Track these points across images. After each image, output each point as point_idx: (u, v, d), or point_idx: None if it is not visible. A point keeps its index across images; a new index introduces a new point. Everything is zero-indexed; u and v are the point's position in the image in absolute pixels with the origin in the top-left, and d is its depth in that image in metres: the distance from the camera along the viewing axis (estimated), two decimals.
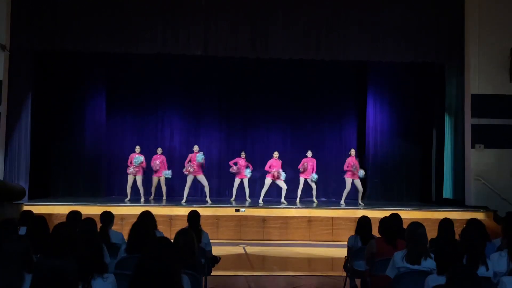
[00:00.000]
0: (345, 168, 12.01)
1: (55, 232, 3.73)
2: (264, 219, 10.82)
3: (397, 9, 11.84)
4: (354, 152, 12.16)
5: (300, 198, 12.32)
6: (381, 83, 13.93)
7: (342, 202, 12.02)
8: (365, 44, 11.77)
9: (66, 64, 13.03)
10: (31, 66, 11.71)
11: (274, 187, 13.60)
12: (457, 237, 5.03)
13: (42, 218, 4.76)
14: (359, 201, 12.07)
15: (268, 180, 12.10)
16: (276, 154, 12.23)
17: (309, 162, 12.34)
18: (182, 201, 11.59)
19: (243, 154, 12.42)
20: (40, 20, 11.25)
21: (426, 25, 11.85)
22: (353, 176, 11.92)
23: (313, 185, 12.35)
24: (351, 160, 11.97)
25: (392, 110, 13.99)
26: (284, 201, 11.87)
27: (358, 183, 11.97)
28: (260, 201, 11.96)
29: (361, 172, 12.12)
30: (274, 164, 12.15)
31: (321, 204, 12.10)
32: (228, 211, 10.88)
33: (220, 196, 13.40)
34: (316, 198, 12.40)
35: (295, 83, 14.08)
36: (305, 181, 12.33)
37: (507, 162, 11.65)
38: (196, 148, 11.97)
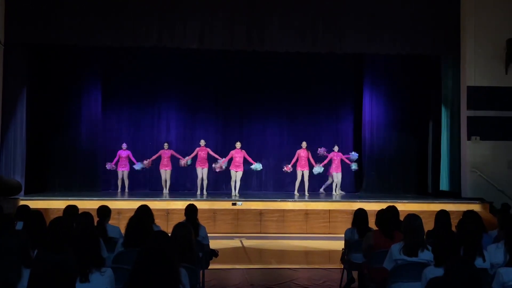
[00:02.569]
0: (294, 160, 12.30)
1: (52, 226, 3.72)
2: (261, 213, 10.83)
3: (394, 2, 11.82)
4: (305, 145, 12.35)
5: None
6: (378, 75, 13.92)
7: (295, 192, 12.30)
8: (362, 36, 11.75)
9: (61, 58, 12.95)
10: (26, 60, 11.64)
11: (271, 180, 13.66)
12: (453, 229, 5.06)
13: (38, 213, 4.75)
14: (306, 193, 12.34)
15: (232, 173, 12.10)
16: (238, 144, 12.15)
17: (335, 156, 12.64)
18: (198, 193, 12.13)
19: (238, 144, 12.30)
20: (35, 14, 11.18)
21: (422, 17, 11.83)
22: (303, 167, 12.20)
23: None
24: (302, 153, 12.26)
25: (388, 103, 13.98)
26: (236, 194, 12.02)
27: (306, 174, 12.25)
28: (236, 193, 12.02)
29: (354, 166, 12.71)
30: (235, 154, 12.10)
31: (318, 197, 12.13)
32: (225, 205, 10.88)
33: (217, 189, 13.40)
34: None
35: (292, 76, 14.04)
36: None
37: (503, 153, 11.68)
38: (202, 142, 12.31)
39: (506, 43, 11.62)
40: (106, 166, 12.74)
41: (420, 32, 11.83)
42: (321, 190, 13.07)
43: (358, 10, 11.72)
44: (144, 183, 13.34)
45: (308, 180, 12.40)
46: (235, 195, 11.81)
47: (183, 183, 13.47)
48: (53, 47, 12.20)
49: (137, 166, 12.58)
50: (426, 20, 11.84)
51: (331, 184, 12.89)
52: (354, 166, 12.84)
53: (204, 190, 12.19)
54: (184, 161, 12.15)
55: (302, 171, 12.29)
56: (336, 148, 12.68)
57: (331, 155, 12.63)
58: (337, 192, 12.66)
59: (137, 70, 13.74)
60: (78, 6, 11.22)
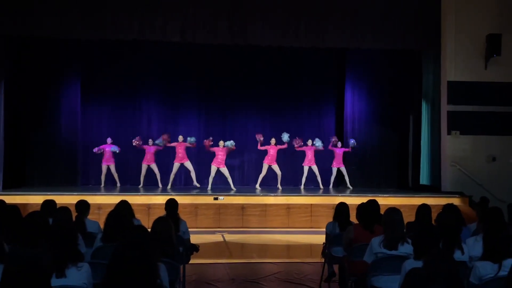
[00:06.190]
0: (263, 147, 12.58)
1: (27, 221, 3.65)
2: (243, 207, 10.81)
3: None
4: (274, 141, 12.53)
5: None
6: (359, 70, 13.98)
7: (257, 186, 12.49)
8: (344, 31, 11.76)
9: (40, 51, 12.74)
10: (4, 53, 11.42)
11: (253, 174, 13.64)
12: (433, 222, 5.09)
13: (15, 207, 4.67)
14: (278, 185, 12.57)
15: (213, 168, 12.17)
16: (221, 143, 12.22)
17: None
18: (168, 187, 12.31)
19: (221, 143, 12.30)
20: (14, 6, 10.93)
21: (403, 12, 11.87)
22: (270, 162, 12.39)
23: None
24: (272, 149, 12.47)
25: (369, 97, 14.06)
26: (197, 184, 12.36)
27: (276, 168, 12.48)
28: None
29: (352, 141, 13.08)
30: (219, 151, 12.16)
31: (299, 192, 12.16)
32: (207, 199, 10.86)
33: (200, 184, 13.31)
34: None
35: (274, 70, 14.02)
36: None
37: (482, 148, 11.82)
38: (180, 138, 12.38)
39: (485, 38, 11.74)
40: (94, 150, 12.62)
41: (401, 27, 11.87)
42: (331, 186, 13.14)
43: (340, 5, 11.72)
44: (125, 178, 13.19)
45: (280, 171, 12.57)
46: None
47: (166, 179, 13.36)
48: (32, 40, 11.99)
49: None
50: (407, 16, 11.89)
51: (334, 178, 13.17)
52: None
53: (195, 182, 12.35)
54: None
55: (269, 165, 12.45)
56: (309, 142, 12.82)
57: (305, 148, 12.79)
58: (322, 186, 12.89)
59: (118, 64, 13.56)
60: None
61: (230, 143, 12.19)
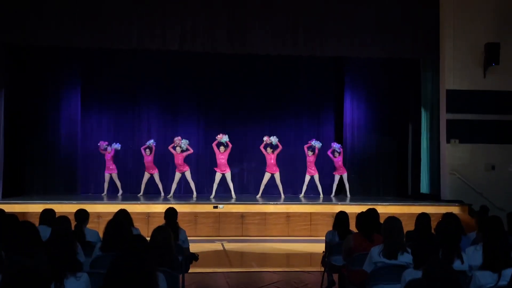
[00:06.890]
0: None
1: (23, 229, 3.64)
2: (242, 215, 10.79)
3: (374, 5, 11.89)
4: (271, 150, 12.51)
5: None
6: (358, 78, 13.99)
7: (259, 195, 12.51)
8: (342, 40, 11.79)
9: (40, 59, 12.76)
10: (4, 61, 11.43)
11: (252, 182, 13.62)
12: (432, 231, 5.09)
13: (13, 216, 4.67)
14: (282, 195, 12.53)
15: (218, 174, 12.21)
16: (222, 149, 12.20)
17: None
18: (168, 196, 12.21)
19: (222, 149, 12.30)
20: (13, 14, 10.96)
21: (402, 20, 11.90)
22: (273, 171, 12.43)
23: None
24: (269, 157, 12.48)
25: (369, 105, 14.06)
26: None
27: (277, 176, 12.50)
28: (232, 194, 12.20)
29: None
30: (220, 156, 12.18)
31: (299, 200, 12.15)
32: (206, 208, 10.83)
33: (199, 192, 13.30)
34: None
35: (273, 78, 14.05)
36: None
37: (481, 156, 11.82)
38: (178, 149, 12.29)
39: (484, 47, 11.77)
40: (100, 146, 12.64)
41: (400, 35, 11.91)
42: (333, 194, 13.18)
43: (338, 13, 11.75)
44: (126, 186, 13.17)
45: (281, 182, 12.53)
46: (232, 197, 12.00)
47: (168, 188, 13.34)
48: (32, 49, 12.01)
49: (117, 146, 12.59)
50: (406, 25, 11.92)
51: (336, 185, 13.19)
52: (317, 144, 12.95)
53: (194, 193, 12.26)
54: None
55: (272, 174, 12.44)
56: (310, 153, 12.80)
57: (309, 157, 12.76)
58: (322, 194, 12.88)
59: (117, 72, 13.58)
60: (58, 7, 11.04)
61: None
